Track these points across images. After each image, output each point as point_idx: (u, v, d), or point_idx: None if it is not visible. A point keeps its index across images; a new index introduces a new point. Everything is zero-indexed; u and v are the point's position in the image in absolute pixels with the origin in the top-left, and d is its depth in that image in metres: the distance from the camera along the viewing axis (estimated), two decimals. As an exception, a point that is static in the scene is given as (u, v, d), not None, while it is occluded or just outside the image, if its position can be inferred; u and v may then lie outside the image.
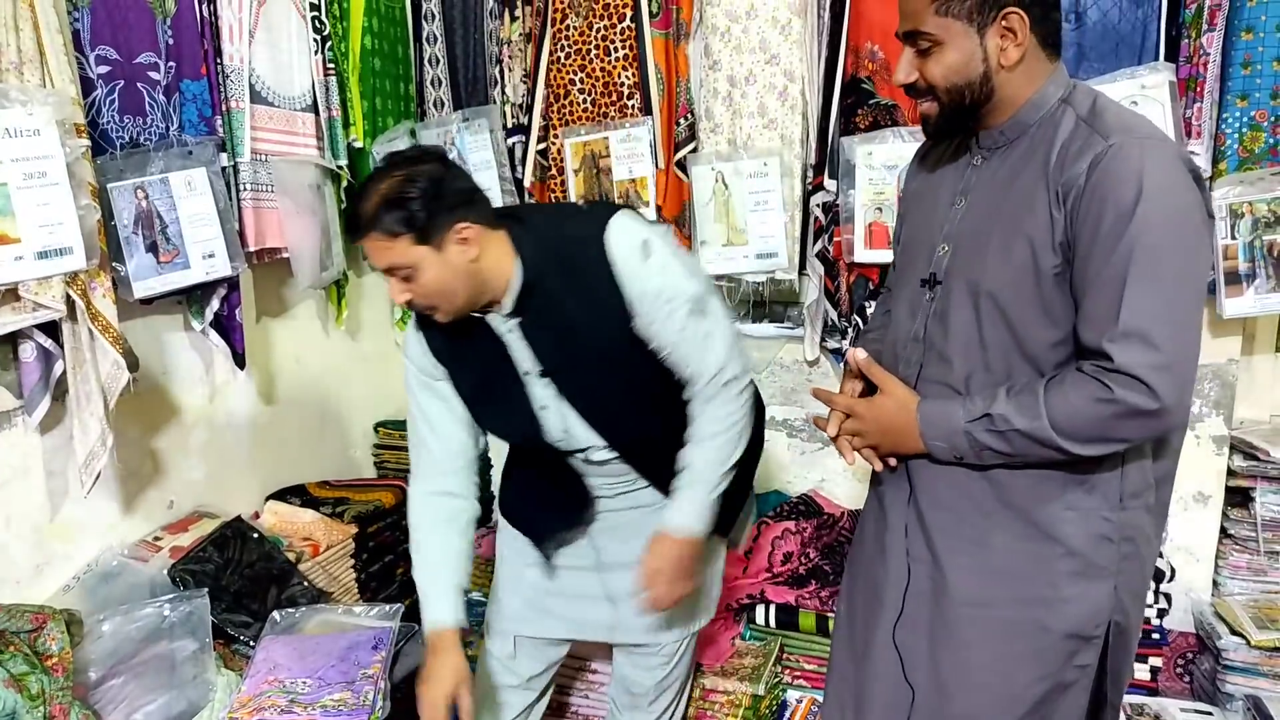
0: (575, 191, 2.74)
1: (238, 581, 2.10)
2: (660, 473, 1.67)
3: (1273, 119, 2.18)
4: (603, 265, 1.47)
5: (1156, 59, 2.23)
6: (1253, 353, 2.55)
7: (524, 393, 1.60)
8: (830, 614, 2.32)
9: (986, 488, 1.35)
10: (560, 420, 1.61)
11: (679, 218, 2.69)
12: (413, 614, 2.09)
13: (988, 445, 1.29)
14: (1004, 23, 1.26)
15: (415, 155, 1.50)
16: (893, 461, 1.44)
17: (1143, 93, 2.21)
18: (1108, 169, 1.19)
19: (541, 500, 1.80)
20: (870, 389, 1.47)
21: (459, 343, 1.60)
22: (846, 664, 1.60)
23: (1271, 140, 2.19)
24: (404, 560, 2.50)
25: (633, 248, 1.48)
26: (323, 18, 2.48)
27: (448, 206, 1.43)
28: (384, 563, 2.46)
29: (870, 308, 2.50)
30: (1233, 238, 2.22)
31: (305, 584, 2.19)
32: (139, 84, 2.01)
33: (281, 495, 2.57)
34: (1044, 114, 1.30)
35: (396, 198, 1.41)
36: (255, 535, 2.23)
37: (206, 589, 1.99)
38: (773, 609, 2.40)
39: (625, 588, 1.71)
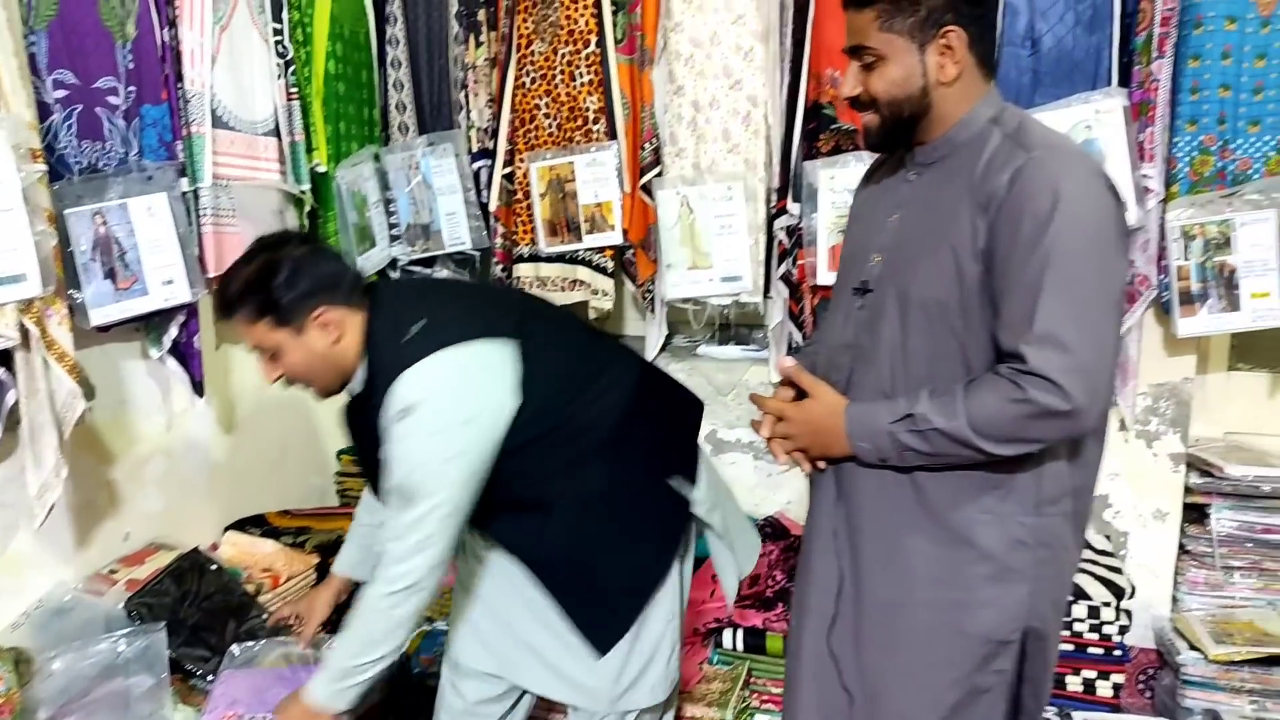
0: (541, 215, 2.75)
1: (196, 614, 2.06)
2: (518, 541, 1.65)
3: (1220, 143, 2.25)
4: (383, 396, 1.49)
5: (1110, 84, 2.29)
6: (1207, 371, 2.61)
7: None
8: (799, 636, 2.32)
9: (907, 491, 1.39)
10: None
11: (645, 241, 2.70)
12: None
13: (909, 446, 1.33)
14: (943, 40, 1.33)
15: (280, 240, 1.58)
16: (821, 464, 1.47)
17: (1097, 117, 2.26)
18: (1027, 179, 1.25)
19: None
20: (804, 396, 1.49)
21: (352, 412, 1.66)
22: (793, 675, 1.62)
23: (1219, 164, 2.26)
24: (368, 589, 2.46)
25: (397, 406, 1.46)
26: (286, 42, 2.47)
27: (307, 292, 1.50)
28: (347, 594, 2.41)
29: (834, 330, 2.52)
30: (1185, 259, 2.28)
31: (265, 616, 2.15)
32: (97, 108, 1.98)
33: (241, 525, 2.52)
34: (974, 132, 1.36)
35: (257, 283, 1.50)
36: (214, 567, 2.18)
37: (164, 622, 1.94)
38: (740, 633, 2.39)
39: (533, 639, 1.68)
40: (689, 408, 1.82)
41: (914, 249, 1.39)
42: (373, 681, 1.59)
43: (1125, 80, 2.30)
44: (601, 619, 1.63)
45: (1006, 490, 1.34)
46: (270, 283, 1.49)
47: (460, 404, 1.47)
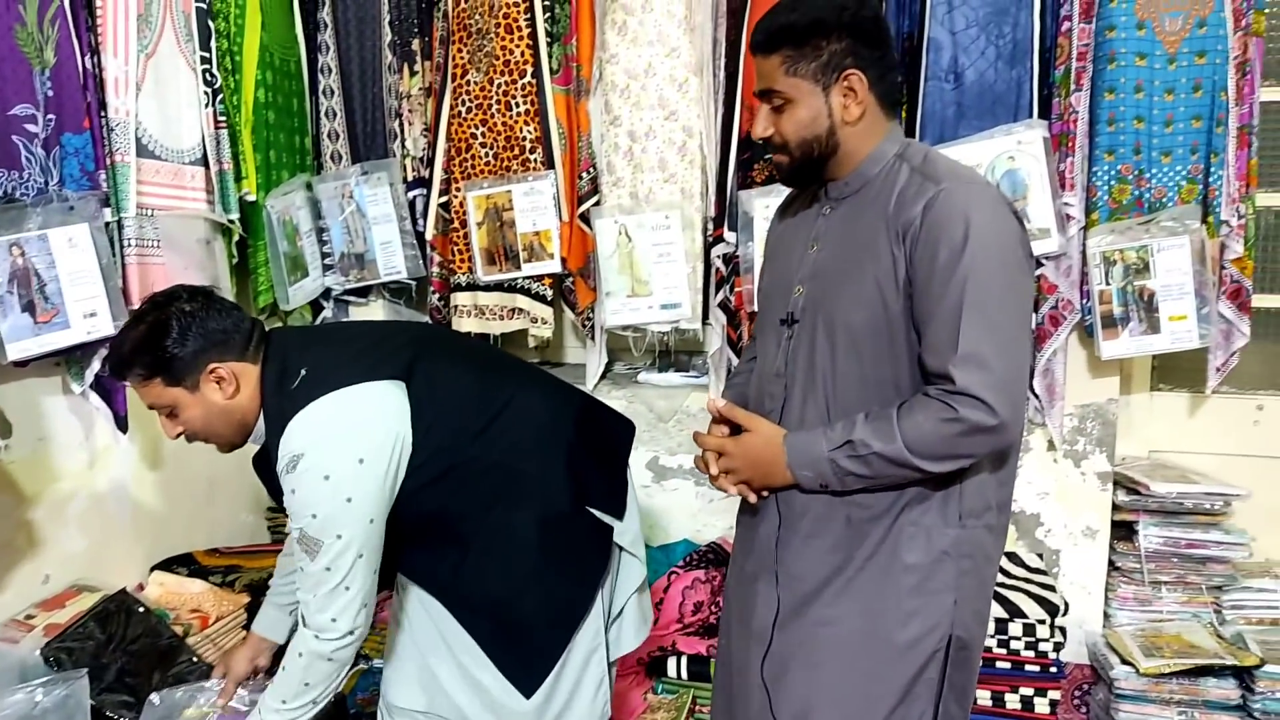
0: (479, 244, 2.73)
1: (121, 659, 1.97)
2: (436, 582, 1.65)
3: (1137, 172, 2.33)
4: (275, 449, 1.51)
5: (1031, 116, 2.36)
6: (1130, 392, 2.69)
7: None
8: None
9: (839, 509, 1.43)
10: None
11: (583, 269, 2.70)
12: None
13: (850, 470, 1.37)
14: (845, 83, 1.40)
15: (170, 296, 1.57)
16: (765, 494, 1.50)
17: (1019, 148, 2.34)
18: (939, 210, 1.32)
19: None
20: (739, 430, 1.52)
21: (261, 463, 1.64)
22: (722, 709, 1.63)
23: (1136, 192, 2.34)
24: (302, 628, 2.39)
25: (285, 457, 1.48)
26: (214, 70, 2.42)
27: (198, 349, 1.52)
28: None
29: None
30: (1107, 283, 2.35)
31: (194, 659, 2.07)
32: (14, 137, 1.92)
33: (168, 565, 2.44)
34: (882, 167, 1.44)
35: (147, 343, 1.51)
36: (141, 609, 2.10)
37: (85, 670, 1.85)
38: (684, 660, 2.38)
39: (456, 673, 1.65)
40: (616, 432, 1.81)
41: (836, 278, 1.44)
42: None
43: (1045, 112, 2.37)
44: (525, 659, 1.61)
45: (930, 504, 1.39)
46: (161, 342, 1.51)
47: (349, 444, 1.47)
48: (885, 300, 1.37)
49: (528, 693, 1.60)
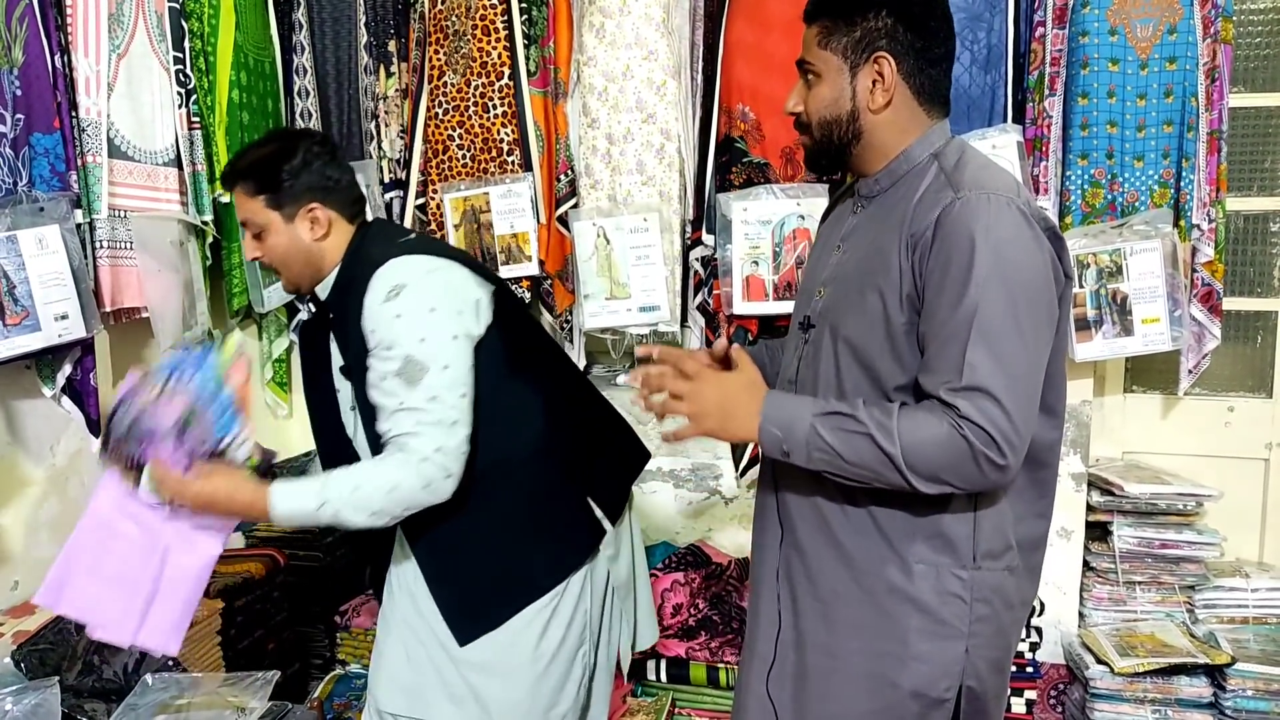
0: (456, 245, 2.72)
1: (95, 663, 1.95)
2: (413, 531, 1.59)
3: (1110, 176, 2.36)
4: (360, 295, 1.52)
5: (1005, 121, 2.38)
6: (1104, 394, 2.72)
7: (333, 387, 1.64)
8: (721, 664, 2.32)
9: (848, 537, 1.34)
10: (357, 426, 1.62)
11: (562, 272, 2.70)
12: (283, 691, 1.99)
13: (826, 444, 1.24)
14: (875, 66, 1.31)
15: (300, 133, 1.69)
16: (691, 436, 1.34)
17: (994, 153, 2.35)
18: (952, 223, 1.21)
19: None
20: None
21: (310, 328, 1.72)
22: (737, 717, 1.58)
23: (1109, 196, 2.37)
24: (275, 635, 2.37)
25: (385, 287, 1.50)
26: (187, 70, 2.40)
27: (308, 186, 1.60)
28: (254, 638, 2.31)
29: (750, 358, 2.55)
30: (1080, 286, 2.38)
31: (169, 665, 2.05)
32: (-18, 137, 1.90)
33: (142, 570, 2.41)
34: (914, 166, 1.33)
35: (266, 163, 1.59)
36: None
37: (56, 679, 1.83)
38: (663, 663, 2.38)
39: (443, 671, 1.61)
40: (635, 449, 1.85)
41: (849, 286, 1.35)
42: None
43: (1019, 117, 2.40)
44: (468, 609, 1.59)
45: (943, 541, 1.29)
46: (281, 164, 1.58)
47: (450, 294, 1.53)
48: (888, 314, 1.26)
49: (462, 640, 1.57)
